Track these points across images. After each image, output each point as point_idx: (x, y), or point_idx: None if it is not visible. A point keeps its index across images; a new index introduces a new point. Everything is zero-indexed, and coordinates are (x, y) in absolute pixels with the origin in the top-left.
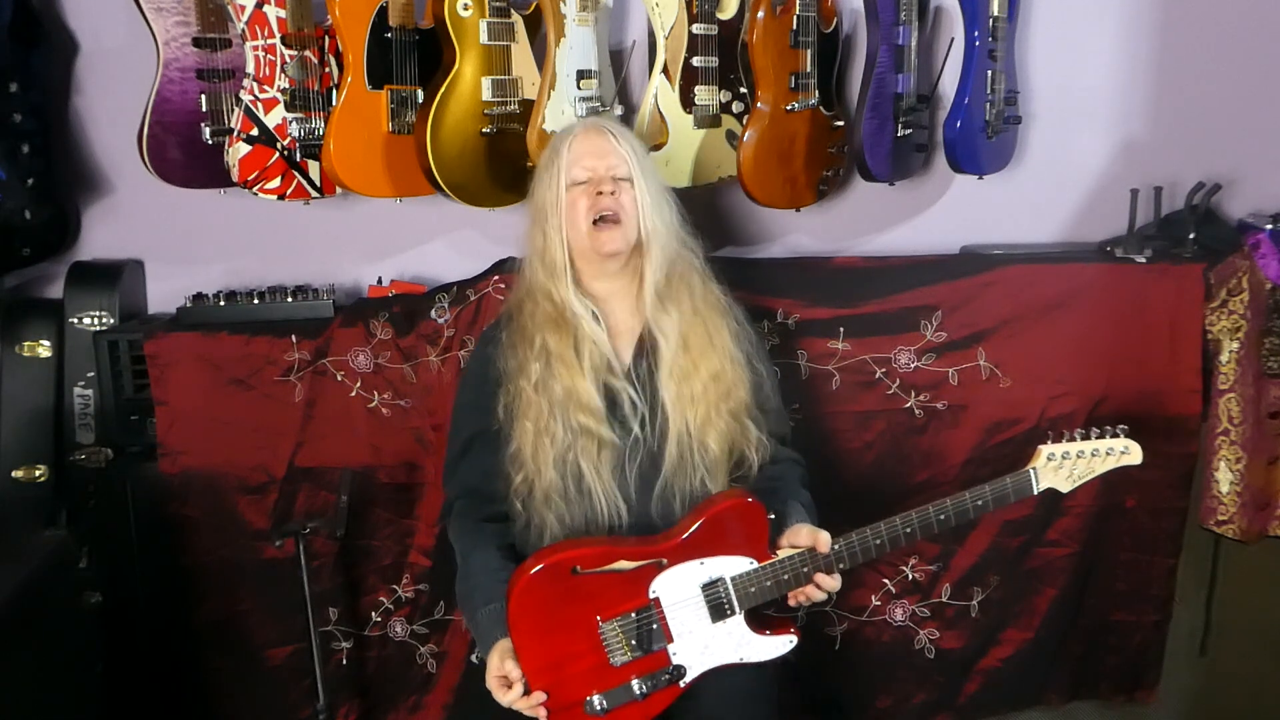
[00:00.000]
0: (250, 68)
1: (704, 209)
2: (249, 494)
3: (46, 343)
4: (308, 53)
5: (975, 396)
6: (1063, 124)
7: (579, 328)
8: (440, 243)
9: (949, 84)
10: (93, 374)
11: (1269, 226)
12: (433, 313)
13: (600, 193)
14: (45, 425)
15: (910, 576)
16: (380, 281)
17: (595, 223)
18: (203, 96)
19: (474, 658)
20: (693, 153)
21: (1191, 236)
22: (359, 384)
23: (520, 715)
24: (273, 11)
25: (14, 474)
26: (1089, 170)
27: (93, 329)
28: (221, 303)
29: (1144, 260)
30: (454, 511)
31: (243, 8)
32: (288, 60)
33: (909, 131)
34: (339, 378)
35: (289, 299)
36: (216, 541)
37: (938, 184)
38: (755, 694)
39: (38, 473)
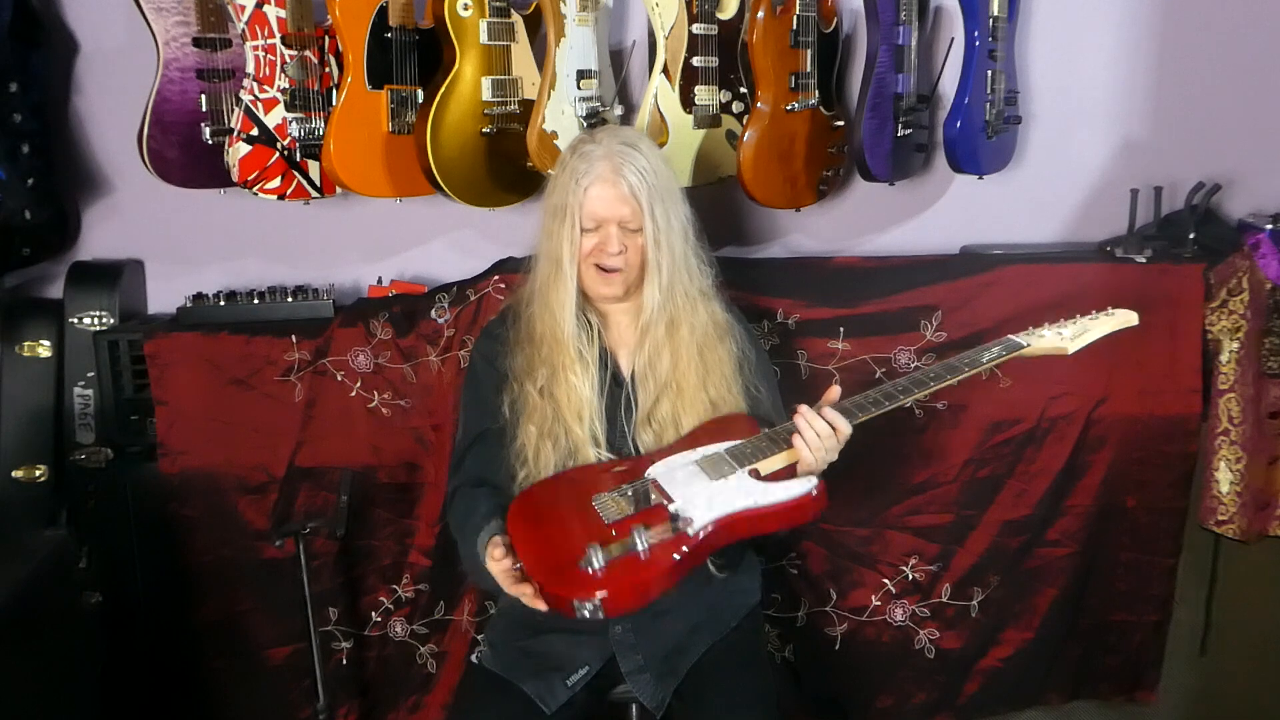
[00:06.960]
0: (250, 68)
1: (704, 209)
2: (249, 494)
3: (46, 343)
4: (308, 53)
5: (975, 396)
6: (1063, 124)
7: (583, 347)
8: (440, 243)
9: (949, 84)
10: (93, 374)
11: (1269, 226)
12: (433, 313)
13: (605, 250)
14: (45, 425)
15: (910, 576)
16: (380, 281)
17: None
18: (203, 96)
19: (474, 658)
20: (693, 153)
21: (1191, 236)
22: (359, 384)
23: (520, 714)
24: (273, 11)
25: (14, 474)
26: (1089, 170)
27: (93, 329)
28: (221, 303)
29: (1144, 260)
30: (454, 497)
31: (243, 8)
32: (288, 60)
33: (909, 131)
34: (339, 378)
35: (289, 299)
36: (216, 541)
37: (938, 184)
38: (757, 697)
39: (38, 473)
